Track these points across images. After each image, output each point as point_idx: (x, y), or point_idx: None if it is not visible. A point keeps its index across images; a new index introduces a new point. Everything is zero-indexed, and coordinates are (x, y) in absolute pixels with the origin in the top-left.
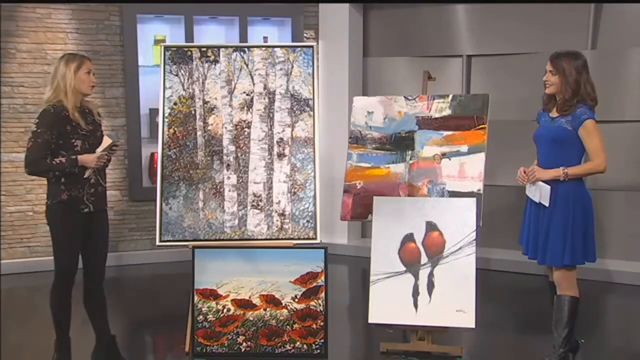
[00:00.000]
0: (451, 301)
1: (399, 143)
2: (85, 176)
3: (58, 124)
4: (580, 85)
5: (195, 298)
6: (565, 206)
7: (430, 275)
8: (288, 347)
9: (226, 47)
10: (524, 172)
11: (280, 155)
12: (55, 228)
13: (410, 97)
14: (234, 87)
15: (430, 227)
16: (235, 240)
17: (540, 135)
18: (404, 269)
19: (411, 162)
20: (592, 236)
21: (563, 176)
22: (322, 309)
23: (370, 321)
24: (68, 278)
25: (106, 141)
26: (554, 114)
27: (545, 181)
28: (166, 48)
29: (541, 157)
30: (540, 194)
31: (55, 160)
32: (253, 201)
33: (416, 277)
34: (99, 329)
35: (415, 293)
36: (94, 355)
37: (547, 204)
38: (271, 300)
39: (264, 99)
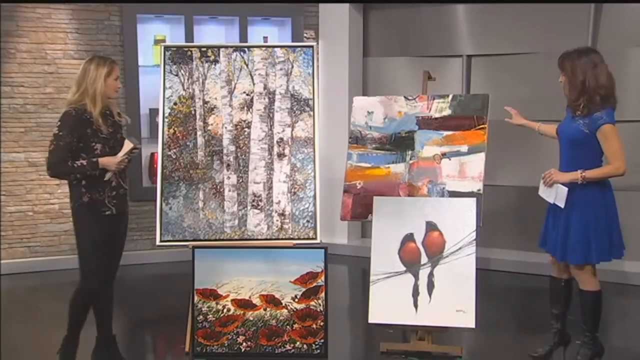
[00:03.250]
0: (451, 301)
1: (399, 143)
2: (105, 179)
3: (79, 127)
4: (585, 85)
5: (195, 298)
6: (584, 208)
7: (430, 275)
8: (288, 347)
9: (226, 47)
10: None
11: (280, 155)
12: (79, 230)
13: (410, 97)
14: (234, 87)
15: (430, 227)
16: (235, 240)
17: (560, 133)
18: (404, 269)
19: (411, 162)
20: (619, 233)
21: (581, 179)
22: (322, 309)
23: (370, 321)
24: (93, 280)
25: (127, 145)
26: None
27: (563, 183)
28: (166, 48)
29: (562, 156)
30: (556, 195)
31: (77, 163)
32: (253, 201)
33: (416, 277)
34: (102, 328)
35: (415, 293)
36: (94, 354)
37: (562, 206)
38: (271, 300)
39: (264, 99)
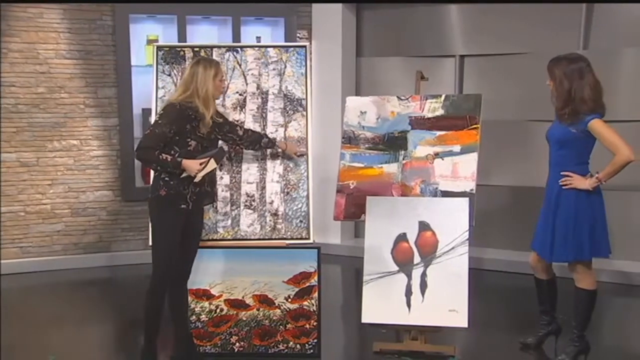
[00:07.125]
0: (444, 301)
1: (392, 143)
2: (182, 176)
3: (179, 121)
4: (571, 94)
5: (189, 298)
6: (567, 205)
7: (423, 275)
8: (281, 347)
9: (219, 47)
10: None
11: (273, 155)
12: (153, 223)
13: (403, 97)
14: (227, 87)
15: (423, 227)
16: (229, 240)
17: (550, 136)
18: (397, 268)
19: (404, 162)
20: (604, 232)
21: (597, 182)
22: (315, 309)
23: (363, 321)
24: (165, 277)
25: (211, 165)
26: None
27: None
28: (159, 48)
29: (551, 158)
30: None
31: (162, 156)
32: (246, 201)
33: (409, 276)
34: (179, 327)
35: (408, 293)
36: (175, 355)
37: None
38: (264, 300)
39: (257, 99)
